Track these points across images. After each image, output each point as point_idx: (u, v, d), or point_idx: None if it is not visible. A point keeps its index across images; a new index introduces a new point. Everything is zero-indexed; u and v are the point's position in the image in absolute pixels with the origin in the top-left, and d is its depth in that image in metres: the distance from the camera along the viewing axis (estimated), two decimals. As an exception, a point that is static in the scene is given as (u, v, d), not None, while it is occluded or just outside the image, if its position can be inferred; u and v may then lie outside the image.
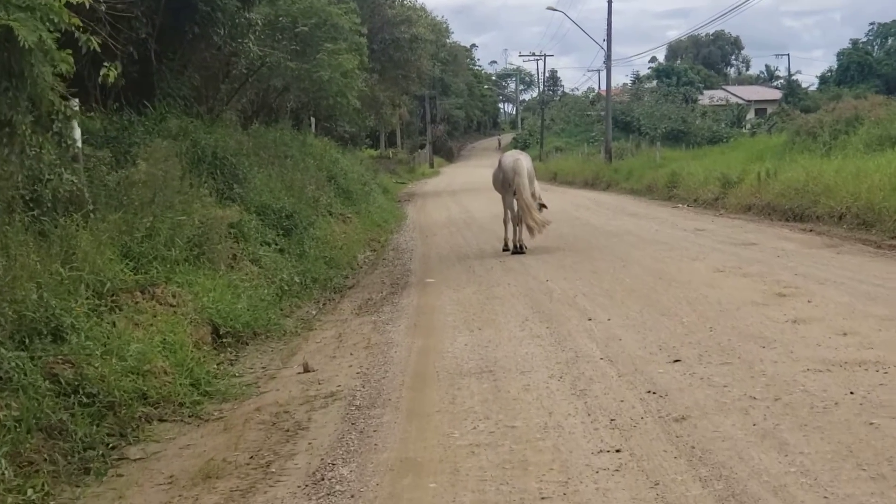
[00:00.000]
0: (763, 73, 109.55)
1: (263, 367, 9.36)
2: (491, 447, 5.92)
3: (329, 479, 5.69)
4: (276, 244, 14.83)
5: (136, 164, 11.81)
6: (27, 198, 9.78)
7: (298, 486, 5.66)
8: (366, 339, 10.07)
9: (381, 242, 21.68)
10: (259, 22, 21.26)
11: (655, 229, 19.48)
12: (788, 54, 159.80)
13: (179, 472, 6.26)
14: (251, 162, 17.22)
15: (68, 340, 7.79)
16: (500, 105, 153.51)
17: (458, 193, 40.72)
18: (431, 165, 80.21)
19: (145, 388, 7.78)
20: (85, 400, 7.27)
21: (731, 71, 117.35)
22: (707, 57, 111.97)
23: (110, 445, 6.98)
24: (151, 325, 9.11)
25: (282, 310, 12.18)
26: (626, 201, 30.30)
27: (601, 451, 5.66)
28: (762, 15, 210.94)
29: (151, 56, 16.71)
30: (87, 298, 8.85)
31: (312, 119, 33.99)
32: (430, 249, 19.21)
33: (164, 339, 8.82)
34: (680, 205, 26.98)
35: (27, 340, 7.54)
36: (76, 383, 7.36)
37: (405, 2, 45.17)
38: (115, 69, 9.33)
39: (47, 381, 7.20)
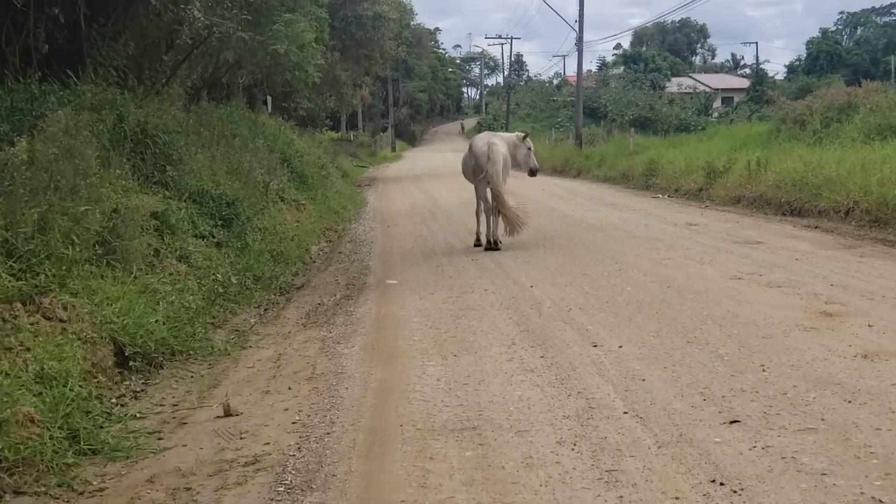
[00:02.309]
0: (728, 61, 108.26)
1: (175, 405, 7.12)
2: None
3: None
4: (214, 237, 12.59)
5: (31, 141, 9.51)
6: None
7: None
8: (310, 366, 7.85)
9: (337, 232, 19.47)
10: (205, -14, 18.98)
11: (644, 224, 17.38)
12: (757, 43, 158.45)
13: None
14: (190, 141, 14.92)
15: None
16: (464, 89, 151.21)
17: (421, 178, 38.50)
18: (394, 149, 77.88)
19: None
20: None
21: (697, 59, 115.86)
22: (673, 44, 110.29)
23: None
24: (28, 349, 6.90)
25: (212, 320, 10.01)
26: (602, 190, 28.23)
27: None
28: (724, 4, 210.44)
29: (80, 20, 14.50)
30: None
31: (269, 98, 31.74)
32: (391, 242, 17.00)
33: (42, 370, 6.62)
34: (660, 195, 25.05)
35: None
36: None
37: (369, -24, 42.91)
38: None
39: None
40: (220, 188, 13.90)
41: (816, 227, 16.02)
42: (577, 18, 45.51)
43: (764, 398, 5.94)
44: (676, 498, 4.43)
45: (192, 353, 8.59)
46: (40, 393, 6.41)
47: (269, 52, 22.91)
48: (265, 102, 31.07)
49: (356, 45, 40.37)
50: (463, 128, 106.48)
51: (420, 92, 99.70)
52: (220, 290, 10.96)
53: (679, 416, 5.68)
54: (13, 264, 7.89)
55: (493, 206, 14.49)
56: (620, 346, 7.63)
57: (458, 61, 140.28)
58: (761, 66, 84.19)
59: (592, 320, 8.77)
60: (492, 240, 14.60)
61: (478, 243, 14.97)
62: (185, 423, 6.56)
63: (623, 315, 8.94)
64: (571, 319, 8.89)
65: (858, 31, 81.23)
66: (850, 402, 5.74)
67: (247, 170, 16.94)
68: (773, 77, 78.71)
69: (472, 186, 15.46)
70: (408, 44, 72.62)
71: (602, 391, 6.37)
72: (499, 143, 15.09)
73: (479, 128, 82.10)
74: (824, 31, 79.42)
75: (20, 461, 5.60)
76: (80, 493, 5.40)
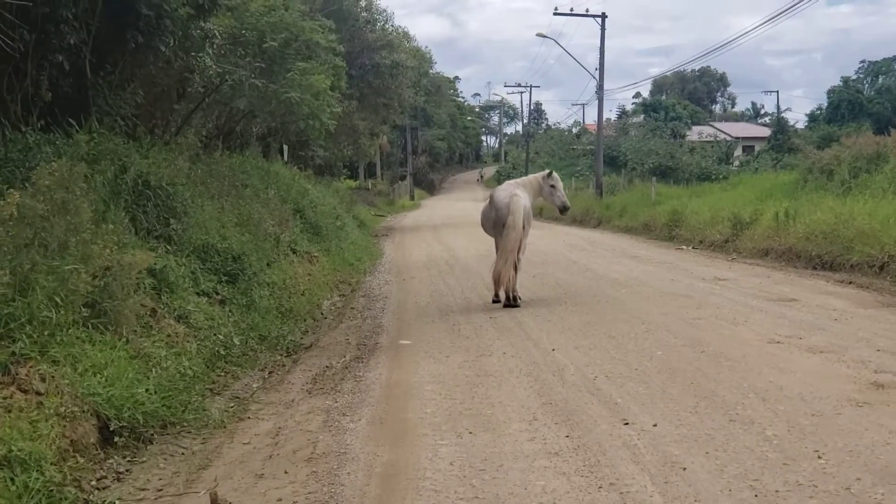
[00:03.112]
0: (748, 110, 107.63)
1: (160, 489, 6.37)
2: None
3: None
4: (217, 293, 11.92)
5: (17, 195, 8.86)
6: None
7: None
8: (311, 444, 7.09)
9: (351, 285, 18.73)
10: (218, 34, 18.48)
11: (670, 278, 16.58)
12: (777, 91, 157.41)
13: None
14: (197, 193, 14.32)
15: None
16: (483, 138, 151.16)
17: (439, 228, 37.80)
18: (412, 198, 77.39)
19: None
20: None
21: (717, 108, 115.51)
22: (692, 93, 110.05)
23: None
24: (-5, 427, 6.20)
25: (212, 385, 9.31)
26: (624, 241, 27.44)
27: None
28: (744, 53, 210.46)
29: (86, 67, 13.98)
30: None
31: (284, 146, 31.25)
32: (406, 297, 16.26)
33: (10, 452, 5.91)
34: (683, 246, 24.28)
35: None
36: None
37: (387, 26, 42.55)
38: None
39: None
40: (226, 242, 13.27)
41: (851, 283, 15.24)
42: (598, 66, 45.01)
43: (824, 495, 5.14)
44: None
45: (185, 424, 7.86)
46: (9, 480, 5.73)
47: (283, 100, 22.41)
48: (280, 151, 30.58)
49: (374, 93, 39.93)
50: (482, 176, 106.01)
51: (439, 140, 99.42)
52: (222, 353, 10.29)
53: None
54: (-8, 329, 7.26)
55: (508, 260, 13.80)
56: (655, 425, 6.83)
57: (477, 110, 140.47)
58: (782, 114, 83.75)
59: (621, 391, 7.98)
60: (510, 295, 13.88)
61: (496, 300, 14.24)
62: (167, 516, 5.84)
63: (655, 385, 8.13)
64: (598, 390, 8.11)
65: (880, 80, 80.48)
66: None
67: (256, 221, 16.33)
68: (794, 126, 78.13)
69: (489, 240, 14.79)
70: (426, 92, 72.26)
71: (638, 483, 5.58)
72: (521, 194, 14.37)
73: (499, 177, 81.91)
74: (846, 80, 78.72)
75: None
76: None
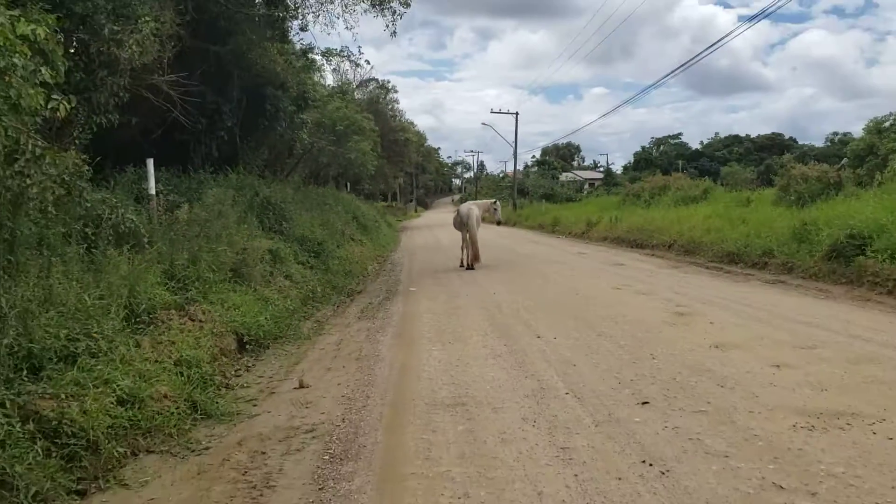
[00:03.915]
0: (592, 163, 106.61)
1: (270, 377, 5.69)
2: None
3: None
4: (309, 263, 11.17)
5: (191, 207, 8.12)
6: (90, 233, 6.18)
7: None
8: (358, 349, 6.45)
9: (384, 258, 17.94)
10: (309, 121, 17.69)
11: (555, 253, 15.92)
12: (607, 154, 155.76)
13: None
14: (297, 207, 13.53)
15: (61, 372, 4.18)
16: (454, 179, 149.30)
17: (431, 227, 36.69)
18: (416, 211, 75.98)
19: (139, 418, 4.17)
20: (63, 441, 3.67)
21: (575, 162, 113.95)
22: (562, 155, 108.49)
23: (74, 491, 3.41)
24: (174, 342, 5.49)
25: (304, 314, 8.56)
26: (529, 234, 26.63)
27: None
28: (589, 134, 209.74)
29: (236, 138, 13.25)
30: (121, 320, 5.24)
31: (348, 183, 30.38)
32: (413, 265, 15.53)
33: (181, 357, 5.21)
34: (561, 236, 23.61)
35: (20, 373, 3.97)
36: (55, 422, 3.76)
37: (401, 118, 41.70)
38: (70, 103, 4.92)
39: (26, 423, 3.64)
40: (314, 234, 12.50)
41: (653, 255, 14.64)
42: (514, 140, 44.36)
43: (661, 382, 4.52)
44: (619, 479, 3.04)
45: (288, 337, 7.20)
46: (180, 373, 5.04)
47: (346, 157, 21.67)
48: (346, 186, 29.73)
49: (395, 155, 39.04)
50: (453, 200, 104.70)
51: (430, 181, 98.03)
52: (311, 296, 9.55)
53: (605, 396, 4.27)
54: (173, 285, 6.53)
55: (468, 245, 13.16)
56: (555, 338, 6.21)
57: (450, 164, 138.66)
58: (609, 166, 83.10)
59: (534, 317, 7.36)
60: (466, 263, 13.20)
61: (461, 265, 13.57)
62: (273, 393, 5.15)
63: (553, 314, 7.49)
64: (520, 316, 7.49)
65: (661, 147, 79.87)
66: (722, 387, 4.33)
67: (331, 223, 15.54)
68: (616, 172, 77.41)
69: (458, 233, 14.12)
70: (423, 155, 71.12)
71: (548, 374, 4.96)
72: (475, 208, 13.71)
73: (462, 200, 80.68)
74: (644, 147, 78.53)
75: (153, 427, 4.20)
76: (192, 451, 4.00)
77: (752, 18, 56.88)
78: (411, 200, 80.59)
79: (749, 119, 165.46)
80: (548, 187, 57.68)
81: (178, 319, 6.03)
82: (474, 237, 12.99)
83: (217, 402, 4.77)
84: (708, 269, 11.59)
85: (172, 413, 4.42)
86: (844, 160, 22.06)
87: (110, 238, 6.44)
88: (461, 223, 13.45)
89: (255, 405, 4.85)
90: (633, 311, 7.24)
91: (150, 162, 7.96)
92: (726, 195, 18.62)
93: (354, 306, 9.49)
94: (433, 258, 16.79)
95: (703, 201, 18.70)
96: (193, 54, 10.99)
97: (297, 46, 17.67)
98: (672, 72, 72.48)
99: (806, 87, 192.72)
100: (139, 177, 8.29)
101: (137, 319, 5.62)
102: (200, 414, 4.59)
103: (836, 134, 69.49)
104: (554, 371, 4.99)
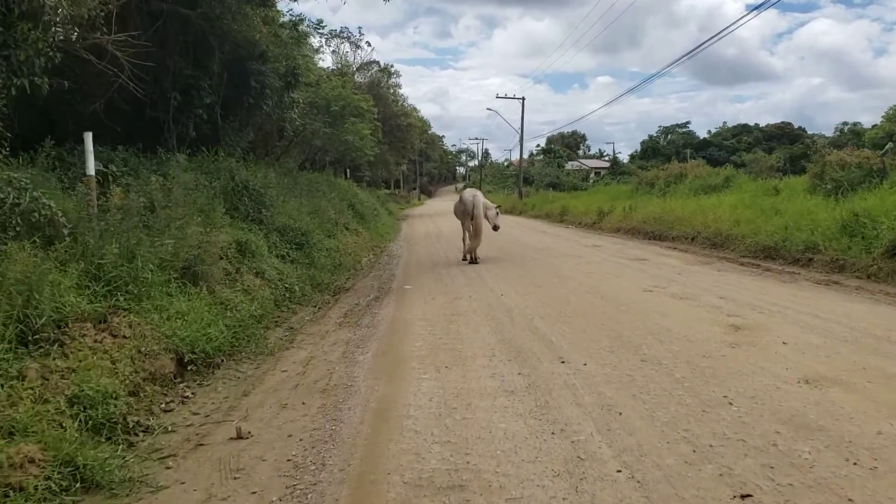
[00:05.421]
0: (598, 152, 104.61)
1: (207, 414, 4.25)
2: None
3: None
4: (289, 256, 9.69)
5: (127, 191, 6.63)
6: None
7: None
8: (328, 376, 4.97)
9: (381, 248, 16.49)
10: (301, 101, 16.13)
11: (567, 245, 14.41)
12: (613, 143, 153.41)
13: None
14: (282, 193, 12.04)
15: None
16: (458, 167, 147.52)
17: (433, 216, 35.22)
18: (419, 199, 74.46)
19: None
20: None
21: (580, 151, 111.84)
22: (568, 142, 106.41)
23: None
24: (75, 370, 4.04)
25: (276, 319, 7.13)
26: (535, 223, 25.06)
27: None
28: (595, 121, 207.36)
29: (217, 117, 11.78)
30: (8, 339, 3.82)
31: (347, 169, 28.79)
32: (411, 256, 14.06)
33: (79, 392, 3.77)
34: (570, 226, 22.07)
35: None
36: None
37: (404, 103, 39.99)
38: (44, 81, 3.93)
39: None
40: (298, 223, 10.99)
41: (675, 248, 13.13)
42: (520, 127, 43.08)
43: (755, 452, 3.01)
44: None
45: (246, 352, 5.73)
46: (73, 416, 3.60)
47: (342, 140, 20.13)
48: (345, 172, 28.14)
49: (397, 140, 37.38)
50: (456, 188, 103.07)
51: (433, 169, 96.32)
52: (287, 296, 8.10)
53: (673, 472, 2.76)
54: (98, 288, 5.06)
55: (471, 235, 11.63)
56: (585, 364, 4.68)
57: (454, 152, 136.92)
58: (616, 155, 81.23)
59: (553, 331, 5.86)
60: (470, 257, 11.68)
61: (464, 259, 12.06)
62: (201, 445, 3.69)
63: (576, 326, 5.99)
64: (535, 329, 6.00)
65: (669, 136, 77.77)
66: (855, 463, 2.82)
67: (322, 211, 14.05)
68: (622, 161, 75.65)
69: (459, 222, 12.60)
70: (426, 142, 69.54)
71: (584, 428, 3.45)
72: (479, 195, 12.22)
73: (466, 186, 79.27)
74: (651, 136, 76.52)
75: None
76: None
77: (759, 7, 54.99)
78: (414, 188, 79.12)
79: (755, 109, 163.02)
80: (553, 175, 56.16)
81: (93, 336, 4.58)
82: (479, 227, 11.47)
83: (112, 465, 3.31)
84: (742, 265, 10.10)
85: (36, 489, 2.98)
86: (889, 145, 20.32)
87: (17, 228, 4.99)
88: (464, 211, 11.94)
89: (168, 467, 3.39)
90: (677, 324, 5.73)
91: (89, 136, 6.46)
92: (751, 183, 17.04)
93: (337, 308, 8.03)
94: (433, 249, 15.32)
95: (726, 190, 17.13)
96: (152, 15, 9.45)
97: (287, 18, 16.12)
98: (677, 59, 70.48)
99: (813, 77, 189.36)
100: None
101: (36, 337, 4.18)
102: (83, 484, 3.14)
103: (845, 124, 67.53)
104: (592, 423, 3.49)
